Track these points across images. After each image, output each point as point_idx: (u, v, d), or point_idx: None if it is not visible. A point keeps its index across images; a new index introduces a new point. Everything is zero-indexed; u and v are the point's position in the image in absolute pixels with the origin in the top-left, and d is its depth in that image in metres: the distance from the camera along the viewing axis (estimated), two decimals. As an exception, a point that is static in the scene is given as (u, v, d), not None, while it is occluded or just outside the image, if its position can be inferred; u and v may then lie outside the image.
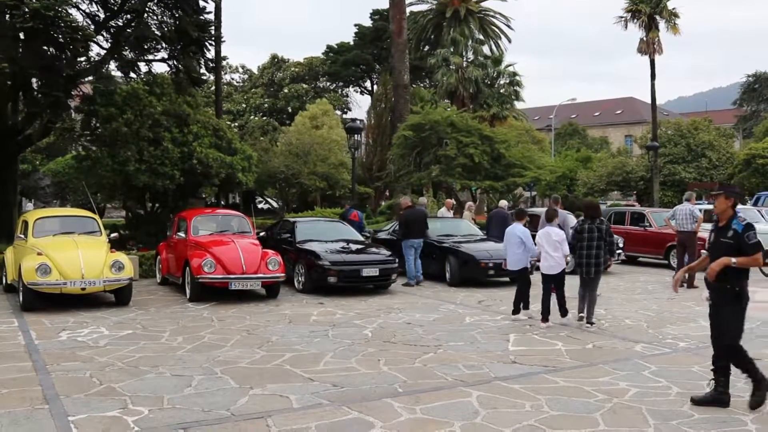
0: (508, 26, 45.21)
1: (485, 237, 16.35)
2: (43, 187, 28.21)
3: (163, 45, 17.62)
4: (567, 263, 10.47)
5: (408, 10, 35.12)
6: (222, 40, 20.61)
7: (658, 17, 35.98)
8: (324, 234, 14.86)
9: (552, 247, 10.21)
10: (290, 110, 52.80)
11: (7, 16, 14.73)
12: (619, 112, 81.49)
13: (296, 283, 13.85)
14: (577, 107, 77.36)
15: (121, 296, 11.77)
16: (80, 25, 15.48)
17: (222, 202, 27.06)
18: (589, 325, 10.11)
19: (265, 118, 54.14)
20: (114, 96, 16.85)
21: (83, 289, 11.15)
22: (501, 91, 42.91)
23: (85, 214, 13.57)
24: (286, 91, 55.61)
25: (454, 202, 23.58)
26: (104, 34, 17.28)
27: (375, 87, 49.61)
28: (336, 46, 55.60)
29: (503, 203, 18.67)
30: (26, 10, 13.74)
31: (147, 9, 17.18)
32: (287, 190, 32.33)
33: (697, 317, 10.66)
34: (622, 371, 7.57)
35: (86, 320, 10.40)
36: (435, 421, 5.89)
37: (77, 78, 16.39)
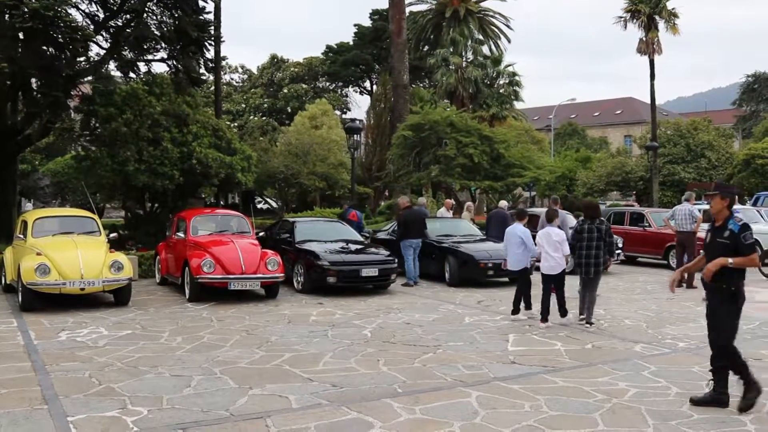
0: (508, 26, 45.31)
1: (485, 237, 16.35)
2: (42, 187, 28.23)
3: (163, 45, 17.62)
4: (567, 263, 10.47)
5: (407, 10, 35.14)
6: (221, 40, 20.65)
7: (657, 17, 35.99)
8: (323, 234, 14.86)
9: (552, 248, 10.21)
10: (290, 110, 52.82)
11: (7, 15, 14.73)
12: (618, 112, 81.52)
13: (295, 284, 13.84)
14: (576, 107, 77.39)
15: (120, 296, 11.76)
16: (80, 25, 15.48)
17: (221, 202, 27.07)
18: (588, 325, 10.12)
19: (264, 118, 54.15)
20: (113, 96, 16.85)
21: (82, 289, 11.14)
22: (500, 91, 42.94)
23: (84, 214, 13.56)
24: (285, 91, 55.63)
25: (454, 203, 23.58)
26: (104, 34, 17.29)
27: (374, 87, 49.62)
28: (335, 46, 55.62)
29: (503, 203, 18.66)
30: (26, 9, 13.74)
31: (146, 9, 17.19)
32: (286, 190, 32.34)
33: (697, 317, 10.65)
34: (622, 371, 7.57)
35: (85, 320, 10.40)
36: (434, 421, 5.88)
37: (77, 78, 16.40)
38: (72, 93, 16.83)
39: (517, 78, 42.95)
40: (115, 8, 17.07)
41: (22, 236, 12.45)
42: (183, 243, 13.33)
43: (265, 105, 55.57)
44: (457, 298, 13.14)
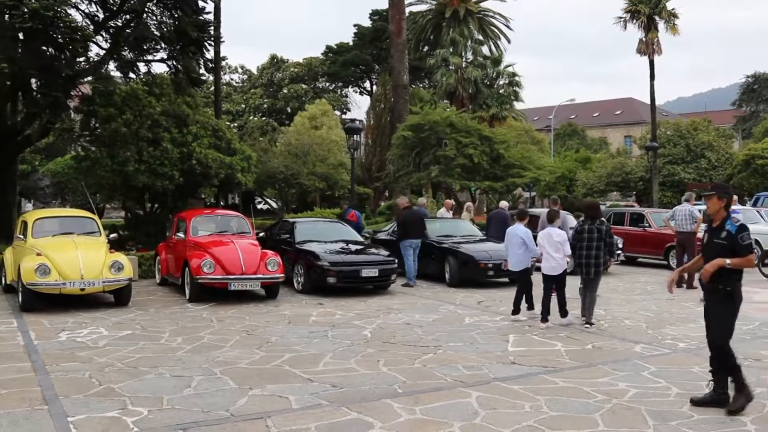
0: (508, 26, 45.29)
1: (485, 237, 16.35)
2: (42, 187, 28.22)
3: (163, 45, 17.62)
4: (567, 263, 10.48)
5: (407, 10, 35.13)
6: (221, 40, 20.65)
7: (657, 18, 36.01)
8: (323, 234, 14.86)
9: (553, 248, 10.21)
10: (289, 110, 52.82)
11: (7, 16, 14.73)
12: (618, 112, 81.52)
13: (295, 284, 13.84)
14: (576, 108, 77.36)
15: (120, 297, 11.76)
16: (79, 25, 15.49)
17: (221, 203, 27.05)
18: (588, 325, 10.12)
19: (264, 118, 54.14)
20: (113, 96, 16.85)
21: (82, 289, 11.15)
22: (500, 91, 42.93)
23: (84, 214, 13.56)
24: (285, 91, 55.63)
25: (454, 203, 23.58)
26: (103, 34, 17.29)
27: (374, 87, 49.62)
28: (335, 47, 55.62)
29: (504, 204, 18.67)
30: (25, 10, 13.74)
31: (146, 9, 17.19)
32: (286, 191, 32.33)
33: (697, 318, 10.63)
34: (622, 372, 7.57)
35: (85, 321, 10.40)
36: (434, 421, 5.88)
37: (76, 78, 16.40)
38: (72, 93, 16.83)
39: (516, 78, 42.97)
40: (114, 8, 17.07)
41: (22, 237, 12.45)
42: (183, 243, 13.33)
43: (265, 105, 55.57)
44: (458, 298, 13.14)
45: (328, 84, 58.33)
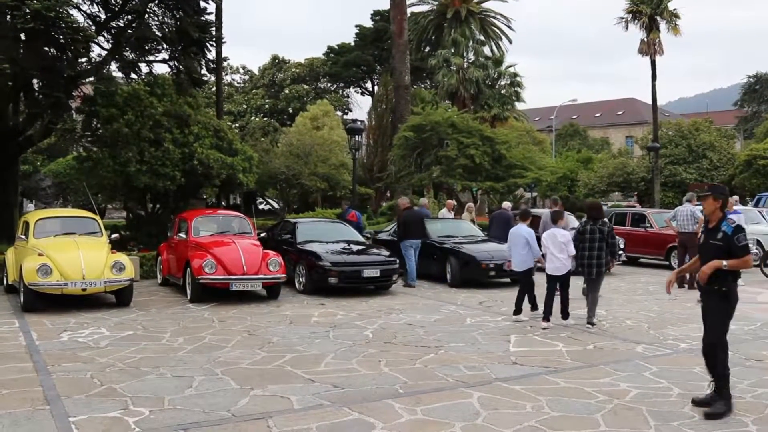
0: (509, 27, 45.24)
1: (486, 238, 16.34)
2: (44, 187, 28.20)
3: (164, 46, 17.65)
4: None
5: (409, 10, 35.13)
6: (223, 40, 20.67)
7: (658, 18, 36.00)
8: (325, 235, 14.86)
9: (557, 249, 10.20)
10: (291, 111, 52.88)
11: (8, 16, 14.74)
12: (620, 113, 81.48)
13: (297, 284, 13.85)
14: (577, 108, 77.33)
15: (121, 297, 11.77)
16: (81, 25, 15.49)
17: (223, 203, 27.05)
18: (590, 325, 10.11)
19: (265, 118, 54.21)
20: (115, 97, 16.86)
21: (84, 289, 11.15)
22: (502, 91, 42.88)
23: (85, 214, 13.57)
24: (286, 91, 55.69)
25: (455, 203, 23.57)
26: (105, 34, 17.29)
27: (376, 88, 49.65)
28: (337, 47, 55.66)
29: (506, 204, 18.66)
30: (27, 10, 13.74)
31: (148, 10, 17.20)
32: (288, 191, 32.33)
33: (698, 318, 10.49)
34: (623, 372, 7.57)
35: (87, 321, 10.41)
36: (436, 422, 5.88)
37: (78, 79, 16.41)
38: (73, 94, 16.83)
39: (518, 79, 42.91)
40: (116, 9, 17.08)
41: (23, 237, 12.46)
42: (184, 244, 13.34)
43: (267, 106, 55.63)
44: (459, 298, 13.13)
45: (329, 84, 58.39)
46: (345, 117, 50.19)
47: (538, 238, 10.97)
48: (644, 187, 35.34)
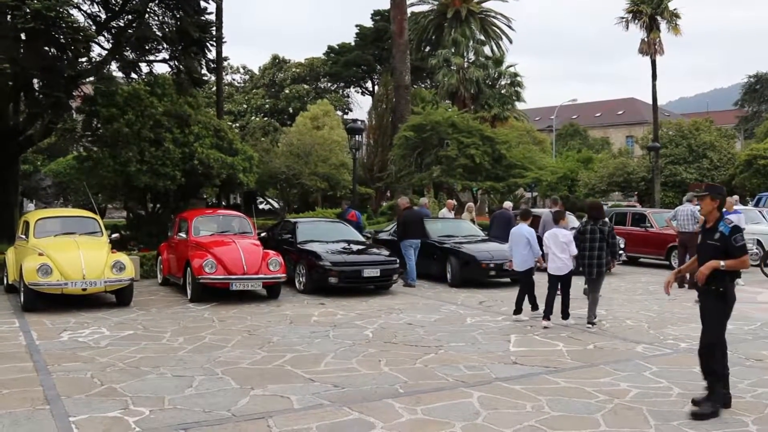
0: (509, 27, 45.24)
1: (486, 238, 16.35)
2: (44, 187, 28.17)
3: (165, 45, 17.64)
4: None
5: (409, 10, 35.11)
6: (223, 40, 20.66)
7: (659, 18, 36.02)
8: (325, 234, 14.86)
9: (559, 249, 10.20)
10: (291, 111, 52.89)
11: (9, 16, 14.75)
12: (620, 112, 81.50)
13: (297, 284, 13.85)
14: (578, 108, 77.36)
15: (122, 297, 11.77)
16: (81, 25, 15.49)
17: (223, 203, 27.06)
18: (590, 325, 10.11)
19: (266, 118, 54.21)
20: (115, 96, 16.86)
21: (84, 289, 11.16)
22: (502, 91, 42.87)
23: (86, 214, 13.57)
24: (287, 91, 55.69)
25: (456, 203, 23.57)
26: (105, 34, 17.29)
27: (376, 88, 49.65)
28: (337, 47, 55.66)
29: (508, 204, 18.66)
30: (27, 10, 13.74)
31: (148, 9, 17.20)
32: (288, 191, 32.32)
33: (698, 318, 10.58)
34: (623, 372, 7.57)
35: (87, 321, 10.41)
36: (436, 421, 5.88)
37: (78, 78, 16.41)
38: (74, 93, 16.83)
39: (518, 78, 42.90)
40: (116, 9, 17.08)
41: (24, 237, 12.47)
42: (185, 243, 13.34)
43: (267, 105, 55.64)
44: (459, 298, 13.13)
45: (329, 84, 58.39)
46: (345, 117, 50.19)
47: (539, 238, 10.98)
48: (644, 186, 35.34)
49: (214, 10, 19.92)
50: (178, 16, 17.30)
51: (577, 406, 6.33)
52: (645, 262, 19.56)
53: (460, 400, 6.47)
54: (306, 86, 56.17)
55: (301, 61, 58.34)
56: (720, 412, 6.04)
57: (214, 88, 27.37)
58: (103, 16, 17.21)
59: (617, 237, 12.89)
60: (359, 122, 22.83)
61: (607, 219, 10.77)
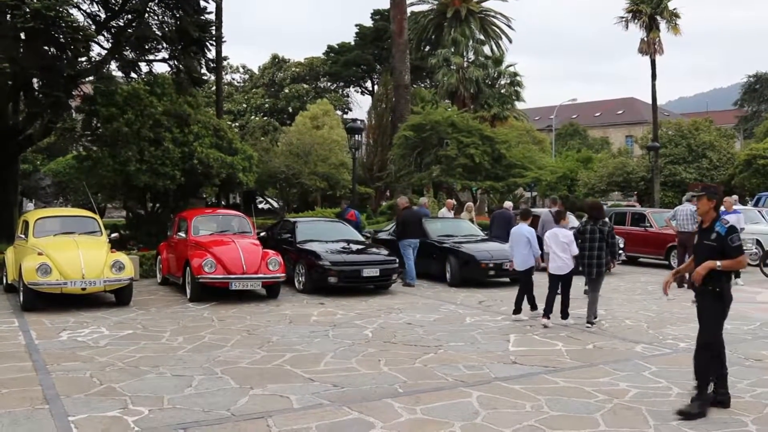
0: (509, 26, 45.23)
1: (486, 237, 16.35)
2: (43, 187, 28.20)
3: (164, 45, 17.62)
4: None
5: (409, 10, 35.13)
6: (223, 40, 20.66)
7: (658, 17, 35.99)
8: (324, 234, 14.86)
9: (560, 248, 10.19)
10: (291, 110, 52.85)
11: (8, 16, 14.73)
12: (619, 112, 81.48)
13: (297, 284, 13.85)
14: (577, 108, 77.33)
15: (121, 296, 11.77)
16: (81, 25, 15.48)
17: (222, 202, 27.07)
18: (589, 325, 10.12)
19: (265, 118, 54.16)
20: (115, 96, 16.85)
21: (84, 289, 11.16)
22: (502, 91, 42.88)
23: (85, 214, 13.57)
24: (286, 91, 55.66)
25: (455, 203, 23.57)
26: (105, 34, 17.28)
27: (376, 87, 49.64)
28: (337, 47, 55.63)
29: (508, 204, 18.67)
30: (27, 10, 13.74)
31: (148, 9, 17.19)
32: (288, 190, 32.33)
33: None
34: (623, 372, 7.57)
35: (86, 320, 10.41)
36: (435, 421, 5.88)
37: (78, 78, 16.40)
38: (73, 93, 16.82)
39: (518, 78, 42.90)
40: (116, 8, 17.06)
41: (23, 236, 12.46)
42: (184, 243, 13.34)
43: (267, 105, 55.60)
44: (459, 298, 13.13)
45: (329, 84, 58.37)
46: (345, 116, 50.17)
47: (539, 238, 10.98)
48: (644, 186, 35.32)
49: (213, 10, 19.97)
50: (177, 15, 17.28)
51: (577, 406, 6.33)
52: (644, 262, 19.56)
53: (459, 400, 6.47)
54: (306, 86, 56.14)
55: (300, 60, 58.33)
56: (707, 412, 6.04)
57: (214, 88, 27.36)
58: (103, 16, 17.21)
59: (617, 237, 12.90)
60: (359, 122, 22.86)
61: (606, 219, 10.77)
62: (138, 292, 12.62)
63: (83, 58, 16.43)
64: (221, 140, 18.22)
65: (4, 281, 13.29)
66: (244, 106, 55.78)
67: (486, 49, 43.67)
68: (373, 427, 5.74)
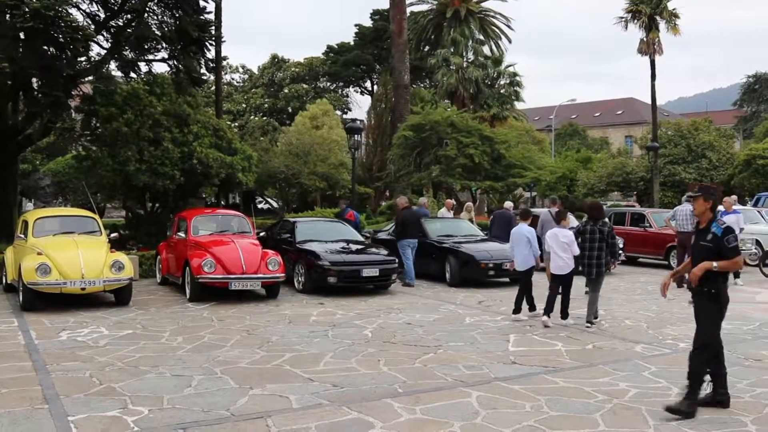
0: (509, 26, 45.25)
1: (485, 237, 16.35)
2: (43, 186, 28.21)
3: (164, 45, 17.63)
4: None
5: (408, 10, 35.13)
6: (222, 40, 20.63)
7: (658, 18, 35.99)
8: (324, 234, 14.86)
9: (561, 248, 10.19)
10: (290, 110, 52.82)
11: (8, 15, 14.73)
12: (619, 112, 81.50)
13: (296, 284, 13.84)
14: (577, 108, 77.36)
15: (121, 296, 11.77)
16: (80, 24, 15.48)
17: (222, 202, 27.06)
18: (588, 325, 10.12)
19: (265, 118, 54.13)
20: (114, 96, 16.84)
21: (83, 288, 11.15)
22: (501, 91, 42.89)
23: (85, 213, 13.57)
24: (286, 91, 55.62)
25: (455, 203, 23.57)
26: (104, 33, 17.29)
27: (375, 87, 49.61)
28: (336, 47, 55.61)
29: (508, 204, 18.66)
30: (26, 9, 13.74)
31: (147, 9, 17.19)
32: (287, 190, 32.34)
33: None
34: (622, 372, 7.57)
35: (86, 320, 10.40)
36: (435, 421, 5.88)
37: (77, 78, 16.40)
38: (73, 93, 16.83)
39: (517, 78, 42.92)
40: (115, 8, 17.07)
41: (22, 236, 12.45)
42: (184, 243, 13.34)
43: (266, 105, 55.57)
44: (458, 298, 13.13)
45: (329, 84, 58.35)
46: (344, 116, 50.16)
47: (538, 238, 10.98)
48: (643, 186, 35.33)
49: (213, 10, 19.98)
50: (177, 15, 17.28)
51: (576, 406, 6.33)
52: (644, 262, 19.57)
53: (458, 400, 6.47)
54: (305, 86, 56.12)
55: (300, 60, 58.29)
56: (696, 413, 6.02)
57: (213, 88, 27.33)
58: (102, 16, 17.21)
59: (616, 237, 12.90)
60: (358, 122, 22.88)
61: (606, 219, 10.77)
62: (137, 292, 12.61)
63: (82, 58, 16.43)
64: (221, 140, 18.22)
65: (4, 281, 13.29)
66: (244, 106, 55.75)
67: (485, 49, 43.70)
68: (372, 427, 5.74)
